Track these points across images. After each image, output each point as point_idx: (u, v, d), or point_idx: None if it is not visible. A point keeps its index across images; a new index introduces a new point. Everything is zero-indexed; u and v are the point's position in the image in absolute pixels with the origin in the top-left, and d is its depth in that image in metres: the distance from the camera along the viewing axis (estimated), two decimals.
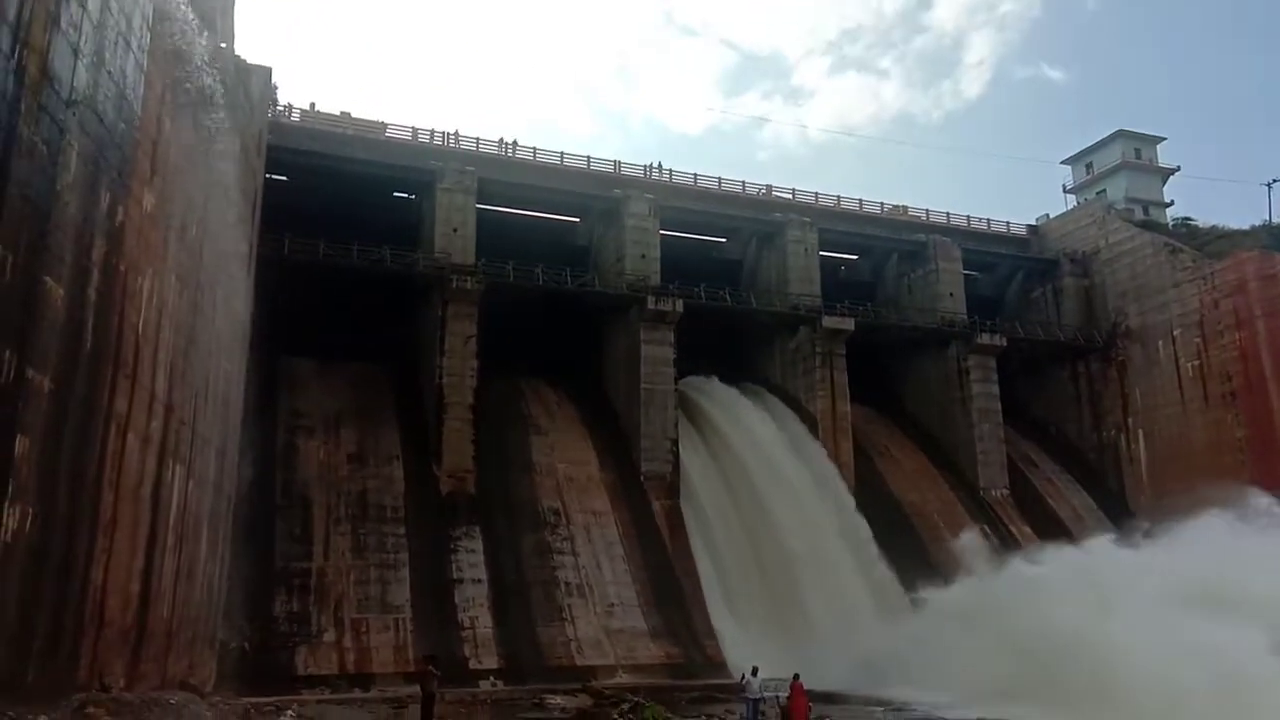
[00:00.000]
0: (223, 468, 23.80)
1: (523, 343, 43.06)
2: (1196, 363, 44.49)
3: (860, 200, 51.02)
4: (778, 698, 23.16)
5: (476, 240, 38.72)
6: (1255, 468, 41.00)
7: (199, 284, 20.26)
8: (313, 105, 42.13)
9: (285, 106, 40.51)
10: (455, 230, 38.52)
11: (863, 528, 39.68)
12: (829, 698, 24.31)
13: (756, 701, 22.34)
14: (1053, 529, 43.01)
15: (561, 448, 38.47)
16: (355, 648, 29.35)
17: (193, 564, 20.74)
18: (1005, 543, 41.87)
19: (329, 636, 29.32)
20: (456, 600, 31.69)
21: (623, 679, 29.90)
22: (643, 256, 41.34)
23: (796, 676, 21.19)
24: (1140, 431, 46.49)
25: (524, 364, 41.98)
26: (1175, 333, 45.50)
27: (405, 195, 42.50)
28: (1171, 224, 51.87)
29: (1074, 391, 50.24)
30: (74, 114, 13.46)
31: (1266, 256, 42.61)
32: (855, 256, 52.65)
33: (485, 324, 37.58)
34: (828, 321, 43.62)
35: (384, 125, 42.93)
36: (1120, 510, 44.17)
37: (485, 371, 37.38)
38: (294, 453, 34.03)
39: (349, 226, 37.41)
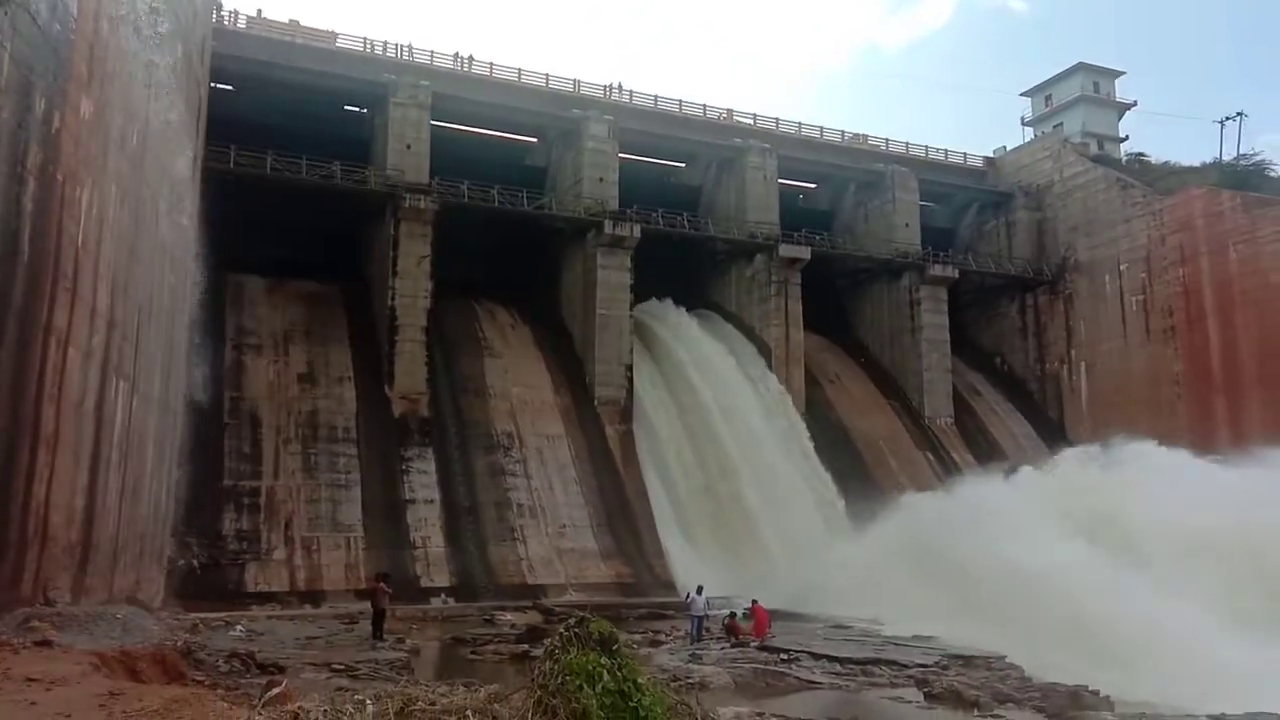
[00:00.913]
0: (169, 384, 23.44)
1: (478, 265, 42.64)
2: (1141, 297, 45.47)
3: (821, 128, 50.74)
4: (732, 614, 23.96)
5: (431, 158, 37.84)
6: (1190, 401, 42.40)
7: (141, 195, 19.62)
8: (259, 12, 40.49)
9: (230, 13, 38.90)
10: (409, 147, 37.59)
11: (811, 454, 40.52)
12: (774, 615, 25.05)
13: (701, 618, 23.04)
14: (994, 457, 44.26)
15: (516, 371, 38.42)
16: (306, 565, 29.52)
17: (139, 480, 20.55)
18: (948, 470, 43.08)
19: (279, 554, 29.43)
20: (408, 520, 31.89)
21: (573, 597, 30.52)
22: (601, 180, 40.81)
23: (755, 602, 22.21)
24: (1083, 364, 47.64)
25: (479, 286, 41.65)
26: (1122, 267, 46.36)
27: (357, 109, 41.29)
28: (1125, 159, 52.40)
29: (1021, 324, 51.17)
30: (6, 14, 12.80)
31: (1214, 194, 43.32)
32: (814, 185, 52.54)
33: (440, 245, 37.00)
34: (785, 250, 43.68)
35: (334, 35, 41.46)
36: (1059, 440, 45.40)
37: (439, 293, 36.98)
38: (242, 371, 33.58)
39: (299, 140, 36.30)
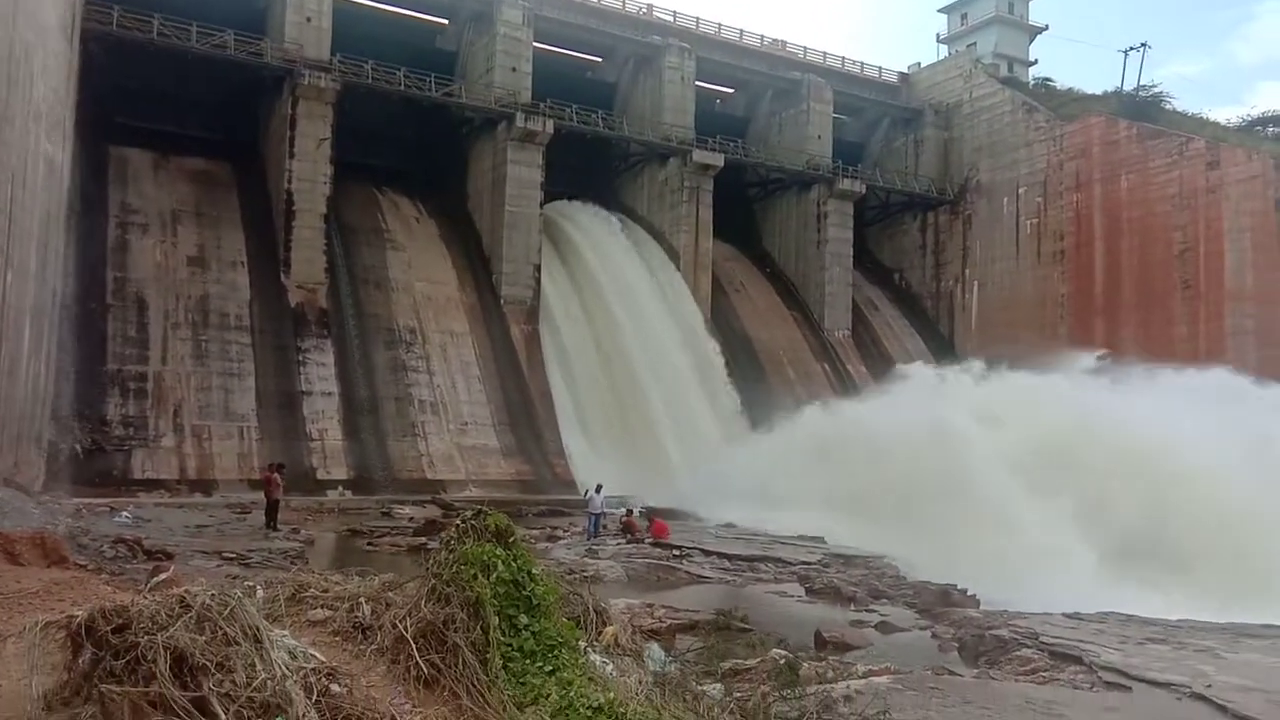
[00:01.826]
0: (46, 260, 22.14)
1: (383, 152, 41.17)
2: (1035, 221, 47.03)
3: (741, 30, 49.99)
4: (629, 511, 24.63)
5: (333, 34, 35.84)
6: (1073, 321, 44.52)
7: (11, 53, 18.07)
8: None
9: None
10: (309, 20, 35.47)
11: (714, 360, 41.25)
12: (670, 514, 25.84)
13: (598, 516, 23.58)
14: (885, 369, 45.77)
15: (420, 265, 37.57)
16: (196, 454, 28.85)
17: (14, 360, 19.55)
18: (844, 381, 44.52)
19: (168, 441, 28.66)
20: (305, 412, 31.34)
21: (473, 493, 30.73)
22: (514, 70, 39.45)
23: (657, 515, 23.05)
24: (975, 283, 49.32)
25: (383, 175, 40.26)
26: (1020, 190, 47.73)
27: None
28: (1032, 84, 53.36)
29: (922, 242, 52.43)
30: None
31: (1112, 123, 44.67)
32: (731, 90, 52.00)
33: (342, 128, 35.42)
34: (698, 155, 43.39)
35: None
36: (948, 355, 47.21)
37: (341, 179, 35.61)
38: (126, 250, 31.87)
39: (189, 4, 33.85)
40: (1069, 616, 13.75)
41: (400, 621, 6.10)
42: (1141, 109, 45.17)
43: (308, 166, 34.37)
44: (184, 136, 36.12)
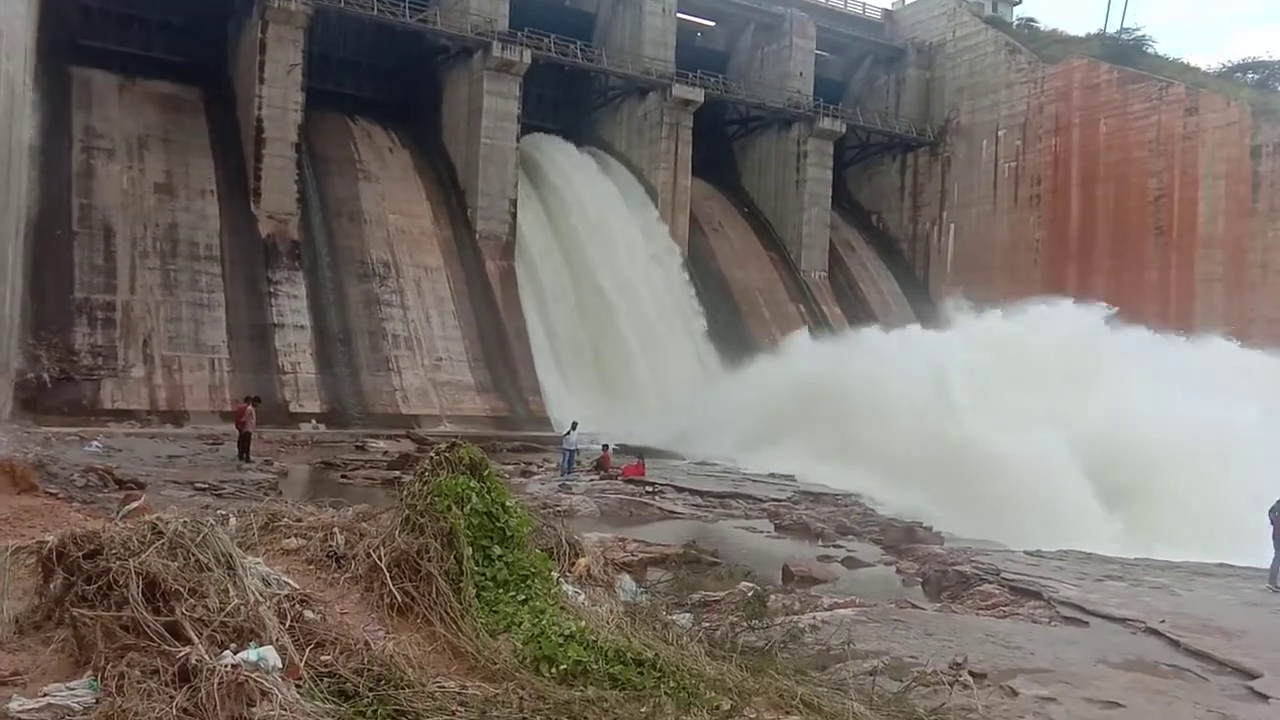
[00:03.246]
0: (8, 183, 21.59)
1: (356, 80, 40.32)
2: (1013, 164, 46.93)
3: None
4: (605, 446, 24.82)
5: None
6: (1046, 266, 44.76)
7: None
8: None
9: None
10: None
11: (690, 300, 41.23)
12: (645, 452, 26.06)
13: (572, 452, 23.73)
14: (861, 312, 46.12)
15: (394, 198, 36.99)
16: (167, 385, 28.62)
17: None
18: (819, 323, 44.64)
19: (137, 372, 28.39)
20: (277, 345, 31.09)
21: (447, 428, 30.76)
22: None
23: (640, 456, 23.30)
24: (952, 226, 49.33)
25: (357, 104, 39.44)
26: (1000, 133, 47.51)
27: None
28: (1015, 24, 52.70)
29: (900, 183, 52.21)
30: None
31: (1094, 66, 44.37)
32: (712, 23, 51.00)
33: (314, 54, 34.58)
34: (679, 90, 42.70)
35: None
36: (923, 299, 47.50)
37: (312, 107, 34.79)
38: (92, 176, 31.08)
39: None
40: (1030, 554, 14.12)
41: (374, 551, 6.16)
42: (1123, 53, 44.83)
43: (278, 93, 33.52)
44: (150, 59, 35.06)
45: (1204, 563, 13.94)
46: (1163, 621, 9.96)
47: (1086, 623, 10.17)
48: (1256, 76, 43.15)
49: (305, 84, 34.10)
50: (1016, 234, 46.30)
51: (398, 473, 20.69)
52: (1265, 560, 12.83)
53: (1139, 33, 46.84)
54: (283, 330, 31.45)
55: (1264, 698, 7.61)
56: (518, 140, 38.42)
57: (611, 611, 6.58)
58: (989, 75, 48.28)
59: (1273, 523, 12.45)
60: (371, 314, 33.68)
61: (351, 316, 33.23)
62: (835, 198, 48.90)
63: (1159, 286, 40.40)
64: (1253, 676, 8.14)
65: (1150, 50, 45.72)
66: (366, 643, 5.13)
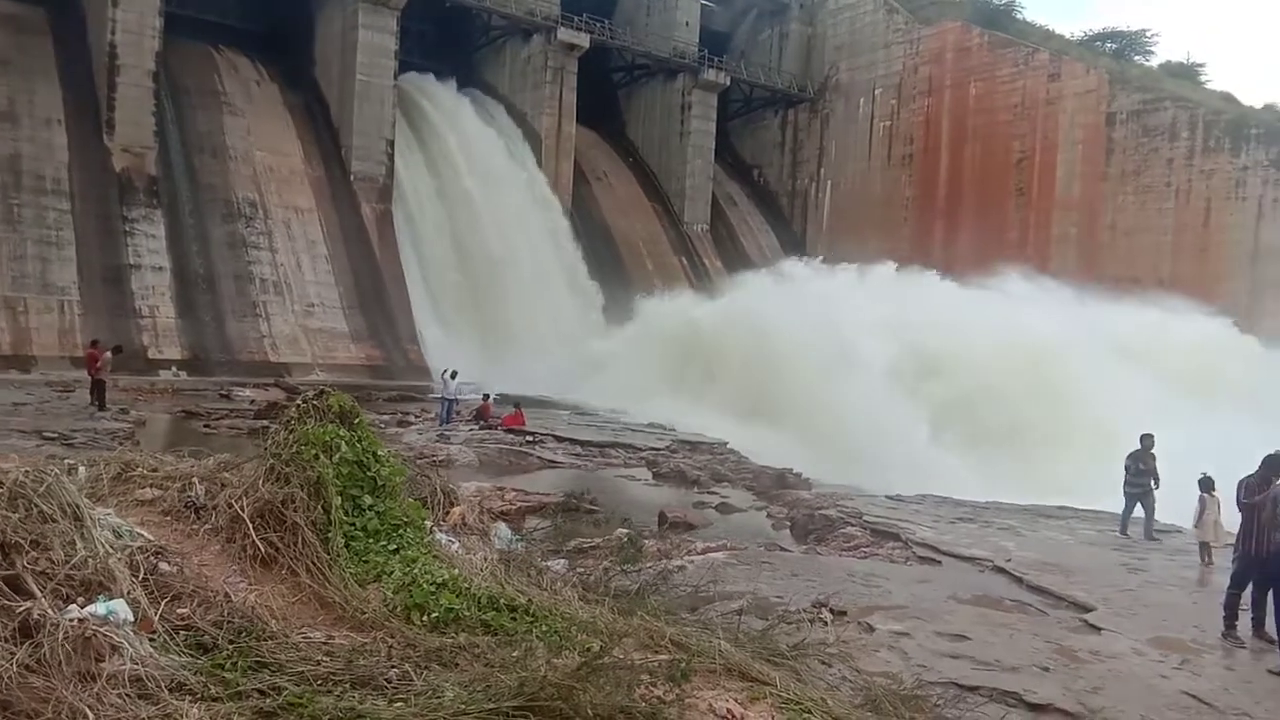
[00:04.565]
0: None
1: (221, 6, 38.00)
2: (888, 123, 48.22)
3: None
4: (486, 395, 24.58)
5: None
6: (915, 224, 46.42)
7: None
8: None
9: None
10: None
11: (574, 249, 40.99)
12: (525, 402, 25.93)
13: (451, 401, 23.42)
14: (741, 264, 46.74)
15: (261, 134, 35.16)
16: (11, 328, 26.76)
17: None
18: (700, 275, 45.20)
19: None
20: (133, 287, 29.39)
21: (319, 377, 29.79)
22: None
23: (517, 405, 23.06)
24: (829, 182, 50.47)
25: (222, 32, 37.17)
26: (876, 92, 48.65)
27: None
28: None
29: (781, 139, 52.96)
30: None
31: (967, 29, 45.79)
32: None
33: None
34: (563, 34, 41.90)
35: None
36: (800, 252, 48.53)
37: (172, 34, 32.60)
38: None
39: None
40: (891, 498, 14.84)
41: (236, 501, 5.96)
42: (994, 17, 46.37)
43: (133, 17, 31.20)
44: None
45: (1045, 505, 14.95)
46: (1009, 560, 10.67)
47: (940, 562, 10.79)
48: (1114, 46, 45.42)
49: (164, 8, 31.92)
50: (890, 192, 47.74)
51: (265, 422, 19.98)
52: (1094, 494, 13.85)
53: None
54: (140, 272, 29.73)
55: (1096, 629, 8.27)
56: (395, 78, 37.01)
57: (486, 559, 6.58)
58: (868, 34, 49.20)
59: (1126, 470, 12.95)
60: (237, 256, 32.17)
61: (216, 258, 31.66)
62: (718, 151, 49.27)
63: (1018, 245, 42.47)
64: (1087, 610, 8.83)
65: (1019, 16, 47.51)
66: (226, 594, 4.98)
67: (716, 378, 26.56)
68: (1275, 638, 7.63)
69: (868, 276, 32.11)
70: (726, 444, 21.68)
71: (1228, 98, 40.53)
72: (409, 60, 38.64)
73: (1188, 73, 43.20)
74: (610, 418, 26.32)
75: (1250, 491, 8.36)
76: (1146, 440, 12.89)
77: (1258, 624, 8.19)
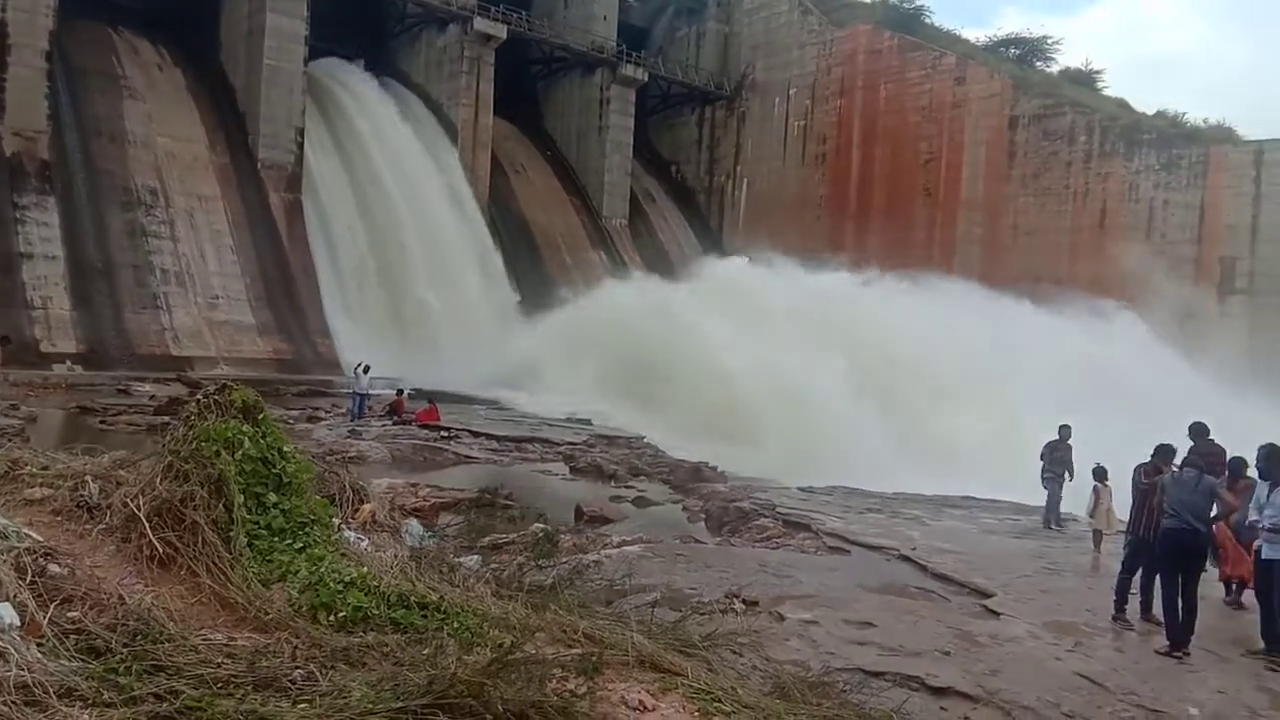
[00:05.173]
0: None
1: None
2: (802, 123, 49.06)
3: None
4: (400, 390, 24.16)
5: None
6: (828, 222, 47.34)
7: None
8: None
9: None
10: None
11: (490, 243, 40.56)
12: (440, 397, 25.59)
13: (363, 396, 22.97)
14: (659, 260, 47.08)
15: (163, 119, 33.83)
16: None
17: None
18: (619, 269, 45.21)
19: None
20: (24, 277, 28.01)
21: (225, 371, 28.92)
22: None
23: (431, 400, 22.80)
24: (745, 180, 51.11)
25: (121, 13, 35.60)
26: (791, 92, 49.43)
27: None
28: None
29: (698, 136, 53.39)
30: None
31: (878, 32, 46.87)
32: None
33: None
34: (480, 24, 41.41)
35: None
36: (716, 249, 49.02)
37: (68, 13, 31.17)
38: None
39: None
40: (803, 489, 15.14)
41: (132, 500, 5.73)
42: (904, 21, 47.57)
43: None
44: None
45: (950, 495, 15.45)
46: (914, 549, 10.99)
47: (849, 551, 11.05)
48: (1018, 52, 47.08)
49: None
50: (804, 190, 48.58)
51: (166, 418, 19.25)
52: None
53: (919, 3, 49.84)
54: (31, 261, 28.33)
55: (995, 614, 8.58)
56: (306, 64, 36.04)
57: (396, 556, 6.47)
58: (783, 34, 49.93)
59: (1042, 459, 13.26)
60: (137, 246, 30.91)
61: (113, 248, 30.37)
62: (636, 147, 49.40)
63: (925, 245, 43.71)
64: (987, 596, 9.15)
65: (928, 20, 48.80)
66: (121, 596, 4.78)
67: (634, 372, 26.60)
68: (1162, 620, 8.02)
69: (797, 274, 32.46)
70: (644, 438, 21.81)
71: (1122, 104, 42.41)
72: (320, 46, 37.66)
73: (1086, 79, 45.02)
74: (528, 413, 26.18)
75: (1144, 478, 8.77)
76: (1064, 431, 13.27)
77: (1145, 607, 8.60)
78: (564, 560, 8.29)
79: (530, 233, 43.95)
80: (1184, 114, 40.66)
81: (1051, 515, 13.22)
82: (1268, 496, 7.88)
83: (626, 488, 16.60)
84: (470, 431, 21.23)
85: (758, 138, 50.71)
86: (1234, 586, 9.50)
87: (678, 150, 54.36)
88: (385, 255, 37.14)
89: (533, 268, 41.90)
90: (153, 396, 23.78)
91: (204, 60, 36.47)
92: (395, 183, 38.04)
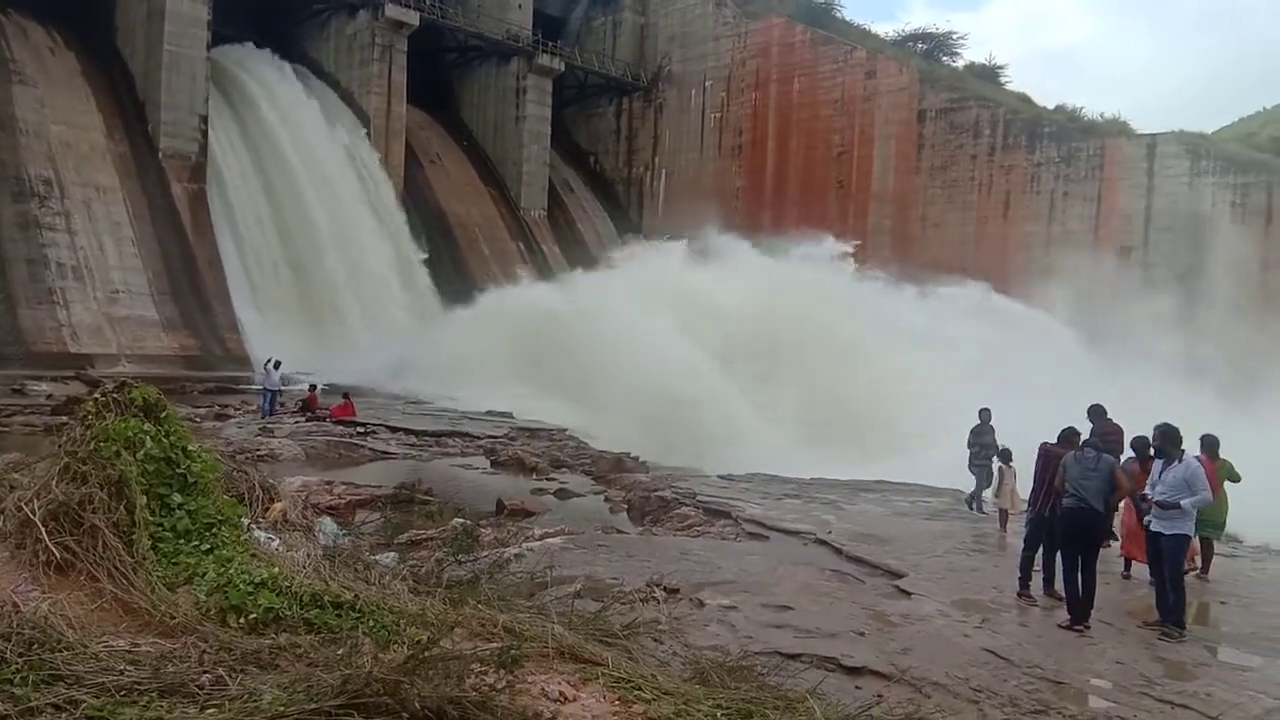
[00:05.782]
0: None
1: None
2: (719, 115, 49.45)
3: None
4: (313, 386, 23.59)
5: None
6: (745, 212, 47.81)
7: None
8: None
9: None
10: None
11: (405, 234, 39.87)
12: (356, 392, 25.10)
13: (275, 393, 22.40)
14: (578, 251, 46.97)
15: (57, 106, 32.26)
16: None
17: None
18: (538, 260, 44.98)
19: None
20: None
21: (127, 369, 27.77)
22: None
23: (346, 395, 22.43)
24: (664, 171, 51.31)
25: None
26: (708, 84, 49.77)
27: None
28: None
29: (616, 127, 53.36)
30: None
31: (790, 26, 47.48)
32: None
33: None
34: (391, 11, 40.55)
35: None
36: (637, 240, 49.09)
37: None
38: None
39: None
40: (723, 477, 15.33)
41: (26, 503, 5.48)
42: (817, 15, 48.26)
43: None
44: None
45: (864, 480, 15.83)
46: (830, 533, 11.23)
47: (767, 537, 11.24)
48: (925, 47, 48.18)
49: None
50: (721, 181, 49.00)
51: (64, 418, 18.44)
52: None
53: None
54: None
55: (908, 594, 8.83)
56: (209, 50, 34.80)
57: (309, 556, 6.34)
58: (698, 26, 50.19)
59: (970, 447, 13.48)
60: (30, 239, 29.47)
61: (5, 241, 28.93)
62: (555, 137, 49.13)
63: (839, 235, 44.50)
64: (899, 576, 9.41)
65: (839, 14, 49.62)
66: (15, 604, 4.58)
67: (555, 364, 26.51)
68: (1063, 595, 8.36)
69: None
70: (565, 430, 21.77)
71: (1024, 99, 43.85)
72: (224, 32, 36.41)
73: (990, 74, 46.37)
74: (447, 406, 25.86)
75: (1047, 458, 9.09)
76: (984, 414, 13.57)
77: (1048, 583, 8.95)
78: (484, 555, 8.23)
79: (447, 224, 43.35)
80: (1082, 108, 42.22)
81: (975, 498, 13.58)
82: (1159, 474, 8.29)
83: (548, 480, 16.55)
84: (387, 427, 20.89)
85: (675, 129, 50.92)
86: (1130, 562, 9.98)
87: (596, 141, 54.23)
88: (295, 247, 36.18)
89: (450, 259, 41.36)
90: (50, 396, 22.80)
91: (100, 45, 34.91)
92: (305, 173, 37.07)
